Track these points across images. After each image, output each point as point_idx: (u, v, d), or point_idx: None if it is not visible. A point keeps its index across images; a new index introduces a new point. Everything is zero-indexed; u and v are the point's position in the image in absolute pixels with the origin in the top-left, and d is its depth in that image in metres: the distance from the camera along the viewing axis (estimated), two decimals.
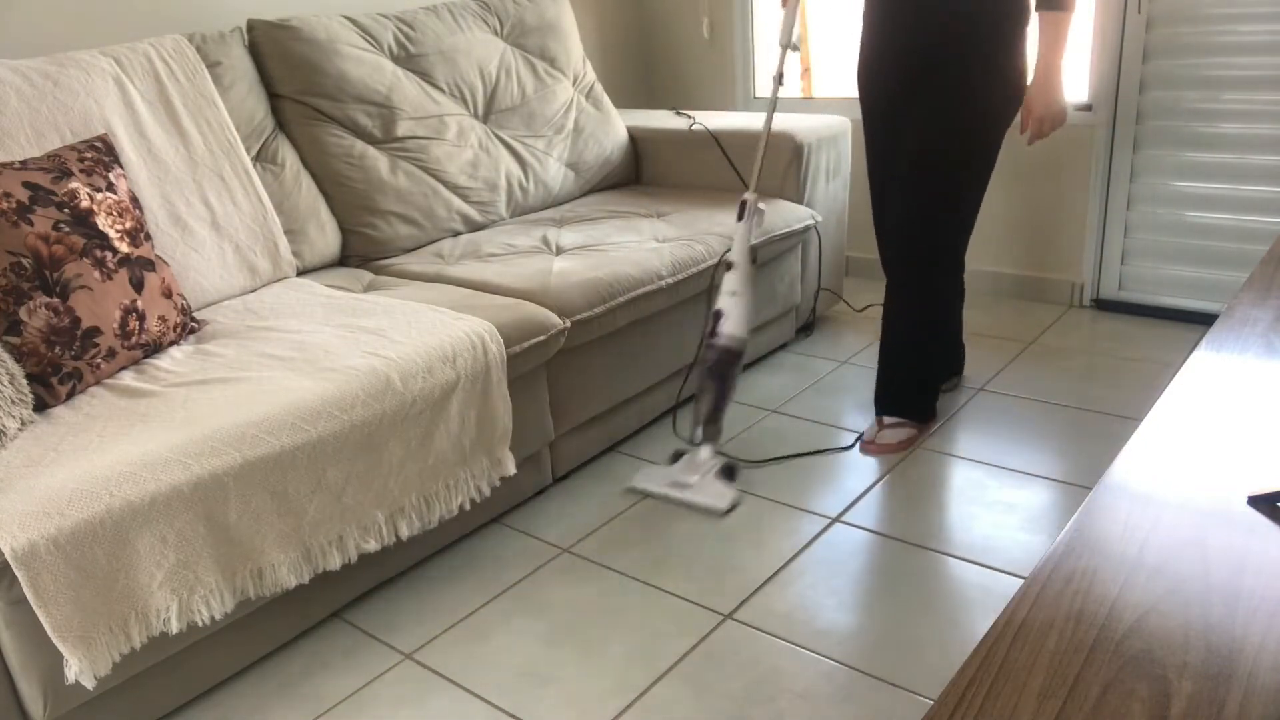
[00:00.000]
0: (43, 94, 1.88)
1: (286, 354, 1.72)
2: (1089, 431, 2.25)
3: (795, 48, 1.96)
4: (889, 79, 2.13)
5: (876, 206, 2.30)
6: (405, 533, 1.70)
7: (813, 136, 2.69)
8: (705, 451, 2.12)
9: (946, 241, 2.11)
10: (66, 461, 1.39)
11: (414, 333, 1.79)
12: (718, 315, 2.09)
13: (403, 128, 2.43)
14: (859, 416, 2.40)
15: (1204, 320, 2.80)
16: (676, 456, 2.18)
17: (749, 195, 2.12)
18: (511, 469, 1.89)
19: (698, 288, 2.31)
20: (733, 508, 2.02)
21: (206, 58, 2.19)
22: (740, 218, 2.12)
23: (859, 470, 2.15)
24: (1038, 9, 1.98)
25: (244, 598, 1.50)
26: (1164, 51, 2.64)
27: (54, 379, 1.60)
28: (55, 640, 1.30)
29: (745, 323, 2.09)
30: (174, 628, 1.40)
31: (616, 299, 2.09)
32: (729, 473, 2.11)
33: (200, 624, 1.45)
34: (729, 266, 2.09)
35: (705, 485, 2.07)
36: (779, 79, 2.15)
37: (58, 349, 1.60)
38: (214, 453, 1.44)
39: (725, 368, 2.08)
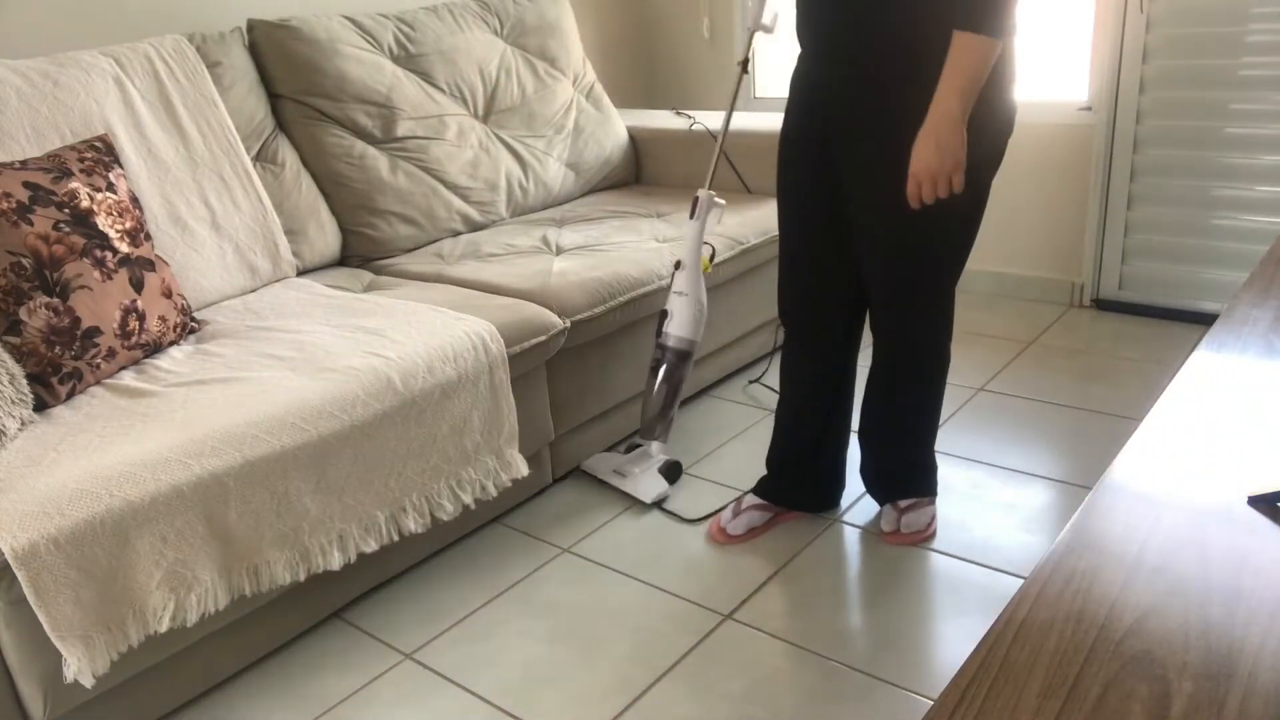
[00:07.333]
0: (43, 94, 1.88)
1: (286, 354, 1.72)
2: (1089, 432, 2.25)
3: (768, 29, 1.88)
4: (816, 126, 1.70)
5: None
6: (406, 532, 1.70)
7: None
8: (655, 447, 2.17)
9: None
10: (66, 461, 1.39)
11: (414, 333, 1.79)
12: (665, 315, 2.02)
13: (403, 128, 2.43)
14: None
15: (1204, 320, 2.80)
16: (631, 448, 2.23)
17: (702, 192, 1.99)
18: (524, 470, 1.89)
19: None
20: (659, 501, 2.08)
21: (206, 58, 2.19)
22: (693, 215, 1.99)
23: (858, 470, 2.15)
24: (955, 27, 1.44)
25: (240, 596, 1.50)
26: (1164, 51, 2.64)
27: (54, 379, 1.60)
28: (54, 640, 1.30)
29: (693, 323, 2.00)
30: (165, 625, 1.40)
31: (616, 299, 2.09)
32: (671, 471, 2.14)
33: (197, 622, 1.45)
34: (678, 266, 2.01)
35: (643, 478, 2.11)
36: (744, 65, 1.93)
37: (58, 349, 1.60)
38: (214, 452, 1.44)
39: (673, 369, 2.03)
